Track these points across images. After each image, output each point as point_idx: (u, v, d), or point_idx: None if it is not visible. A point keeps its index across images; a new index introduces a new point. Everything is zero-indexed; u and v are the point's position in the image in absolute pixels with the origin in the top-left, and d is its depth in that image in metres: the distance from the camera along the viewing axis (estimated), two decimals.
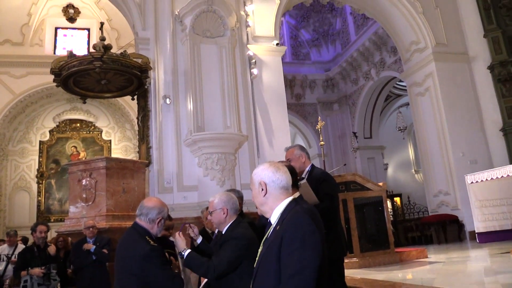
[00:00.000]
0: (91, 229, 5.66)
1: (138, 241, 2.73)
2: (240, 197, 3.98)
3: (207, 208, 5.18)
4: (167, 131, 8.09)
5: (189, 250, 2.89)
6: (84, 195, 6.58)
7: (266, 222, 2.32)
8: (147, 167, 7.83)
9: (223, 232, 3.06)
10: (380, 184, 6.99)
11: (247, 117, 8.61)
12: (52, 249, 5.74)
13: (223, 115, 8.08)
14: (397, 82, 15.61)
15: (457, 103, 11.26)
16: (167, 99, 8.14)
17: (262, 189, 2.02)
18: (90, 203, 6.51)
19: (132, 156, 14.62)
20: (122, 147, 15.93)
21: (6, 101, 14.05)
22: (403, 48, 12.35)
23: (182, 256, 2.89)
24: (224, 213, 3.03)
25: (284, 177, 2.04)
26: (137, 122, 8.91)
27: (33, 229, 5.64)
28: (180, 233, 3.07)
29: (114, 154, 14.98)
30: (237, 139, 7.96)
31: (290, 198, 2.02)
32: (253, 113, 8.75)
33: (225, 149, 7.74)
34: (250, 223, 3.61)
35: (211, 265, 2.76)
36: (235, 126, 7.99)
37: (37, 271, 5.41)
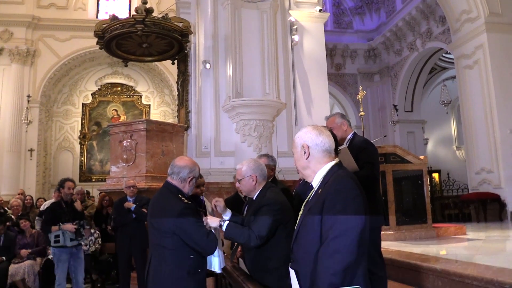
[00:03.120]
0: (131, 188, 5.83)
1: (172, 199, 2.77)
2: (274, 164, 3.96)
3: None
4: (206, 96, 8.12)
5: (227, 221, 2.88)
6: (124, 156, 6.78)
7: (305, 189, 2.29)
8: (186, 131, 7.96)
9: (253, 199, 3.04)
10: (421, 157, 6.81)
11: (286, 85, 8.51)
12: (78, 205, 5.75)
13: (262, 81, 8.00)
14: (444, 54, 14.95)
15: (509, 78, 10.68)
16: (207, 64, 8.13)
17: (305, 152, 2.00)
18: (130, 163, 6.72)
19: (171, 121, 14.88)
20: (161, 112, 16.22)
21: (51, 64, 14.50)
22: (452, 18, 11.74)
23: (221, 227, 2.87)
24: (253, 181, 2.99)
25: (327, 140, 2.02)
26: (177, 87, 8.99)
27: (61, 185, 5.58)
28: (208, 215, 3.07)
29: (153, 119, 15.29)
30: (275, 107, 7.91)
31: (333, 162, 2.00)
32: (293, 81, 8.62)
33: (263, 116, 7.71)
34: (284, 189, 3.60)
35: (252, 233, 2.75)
36: (274, 93, 7.92)
37: (69, 226, 5.39)
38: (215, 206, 3.08)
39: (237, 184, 3.14)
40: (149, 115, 15.97)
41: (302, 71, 8.83)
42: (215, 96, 8.06)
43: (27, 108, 13.86)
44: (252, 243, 2.74)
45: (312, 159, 2.00)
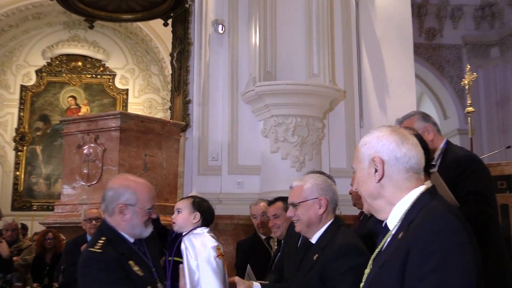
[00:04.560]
0: (94, 222, 5.86)
1: (88, 247, 2.96)
2: None
3: (271, 202, 5.19)
4: (216, 77, 8.15)
5: None
6: (85, 170, 6.85)
7: (377, 230, 2.25)
8: (184, 132, 8.05)
9: (312, 241, 3.04)
10: None
11: (346, 62, 8.48)
12: (3, 247, 5.68)
13: (308, 56, 7.97)
14: None
15: None
16: (220, 27, 8.17)
17: (376, 170, 1.98)
18: (94, 182, 6.78)
19: (160, 116, 14.96)
20: (144, 102, 16.36)
21: None
22: None
23: None
24: (320, 207, 2.99)
25: (415, 153, 2.00)
26: (171, 62, 9.06)
27: None
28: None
29: (132, 111, 15.39)
30: (328, 96, 7.87)
31: (421, 188, 1.97)
32: (357, 56, 8.60)
33: (308, 111, 7.67)
34: None
35: None
36: (327, 75, 7.86)
37: None
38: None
39: (290, 212, 3.13)
40: (127, 105, 16.16)
41: (372, 41, 8.81)
42: (232, 78, 8.10)
43: None
44: None
45: (388, 183, 1.98)
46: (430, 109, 17.43)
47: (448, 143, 3.81)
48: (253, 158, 7.86)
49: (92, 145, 6.91)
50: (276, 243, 5.40)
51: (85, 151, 6.93)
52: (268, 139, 7.72)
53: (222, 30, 8.20)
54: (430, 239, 1.77)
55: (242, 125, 7.97)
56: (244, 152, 7.89)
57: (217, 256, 3.33)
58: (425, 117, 3.86)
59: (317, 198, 3.00)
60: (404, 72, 8.82)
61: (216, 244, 3.41)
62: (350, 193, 4.56)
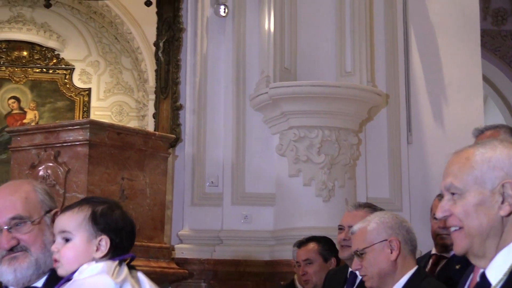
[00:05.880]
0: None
1: None
2: None
3: (301, 243, 5.26)
4: (217, 74, 8.24)
5: None
6: None
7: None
8: (173, 148, 8.06)
9: None
10: None
11: (390, 57, 8.53)
12: None
13: (339, 48, 8.04)
14: None
15: None
16: (222, 8, 8.20)
17: (504, 200, 1.90)
18: None
19: (133, 125, 14.79)
20: (113, 106, 16.22)
21: None
22: None
23: None
24: (392, 251, 3.05)
25: None
26: (155, 54, 9.07)
27: None
28: None
29: (96, 118, 15.36)
30: (366, 101, 7.92)
31: None
32: (404, 49, 8.63)
33: (339, 121, 7.74)
34: None
35: None
36: (364, 74, 7.91)
37: None
38: None
39: (356, 265, 3.21)
40: (88, 111, 16.03)
41: (425, 28, 8.85)
42: (237, 77, 8.16)
43: None
44: None
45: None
46: (496, 118, 17.32)
47: None
48: (266, 184, 7.91)
49: (51, 164, 6.81)
50: None
51: (41, 173, 6.82)
52: (285, 158, 7.77)
53: (224, 12, 8.23)
54: None
55: (251, 139, 8.02)
56: (254, 175, 7.94)
57: None
58: None
59: (386, 240, 3.06)
60: (468, 70, 8.82)
61: None
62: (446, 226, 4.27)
